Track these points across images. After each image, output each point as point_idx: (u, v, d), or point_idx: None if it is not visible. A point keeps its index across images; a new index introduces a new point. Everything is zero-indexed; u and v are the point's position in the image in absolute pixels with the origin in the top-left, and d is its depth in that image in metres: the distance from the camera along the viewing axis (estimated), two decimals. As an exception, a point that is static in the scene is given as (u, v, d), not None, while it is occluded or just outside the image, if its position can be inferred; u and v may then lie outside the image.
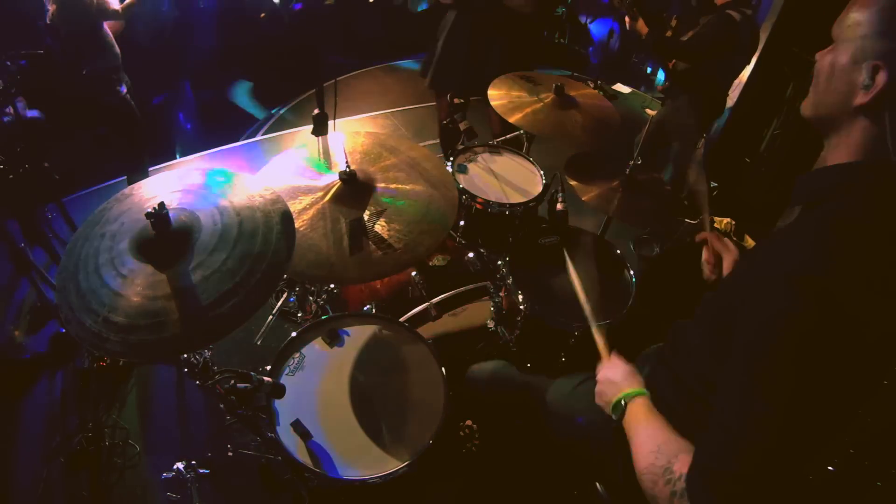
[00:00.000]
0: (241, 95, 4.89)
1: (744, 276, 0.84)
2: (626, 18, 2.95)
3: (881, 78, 0.76)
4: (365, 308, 1.84)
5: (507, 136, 2.44)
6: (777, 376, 0.73)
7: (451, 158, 2.02)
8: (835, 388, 0.75)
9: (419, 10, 4.98)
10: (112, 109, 2.80)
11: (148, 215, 1.00)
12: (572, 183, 1.85)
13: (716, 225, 2.67)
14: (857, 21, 0.80)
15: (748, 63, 3.21)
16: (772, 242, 0.88)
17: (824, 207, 0.81)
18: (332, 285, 1.89)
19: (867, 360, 0.77)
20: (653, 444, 0.90)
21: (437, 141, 3.50)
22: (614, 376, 1.09)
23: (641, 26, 2.88)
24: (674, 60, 3.07)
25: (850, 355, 0.73)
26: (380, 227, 1.36)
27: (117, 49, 2.76)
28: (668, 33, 3.98)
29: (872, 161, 0.79)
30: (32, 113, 2.49)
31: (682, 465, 0.82)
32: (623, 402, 1.02)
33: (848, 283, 0.72)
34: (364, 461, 1.22)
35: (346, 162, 1.46)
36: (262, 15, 4.82)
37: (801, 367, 0.72)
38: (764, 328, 0.75)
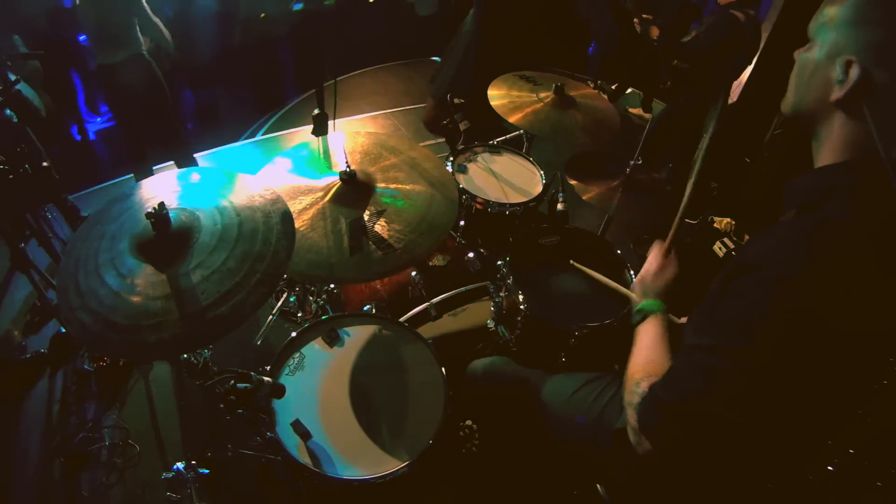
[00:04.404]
0: (241, 96, 4.89)
1: (731, 271, 0.84)
2: (636, 21, 2.94)
3: (854, 72, 0.76)
4: (365, 308, 1.84)
5: (507, 136, 2.44)
6: (738, 354, 0.78)
7: (451, 158, 2.02)
8: (791, 381, 0.77)
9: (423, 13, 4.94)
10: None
11: (148, 215, 1.00)
12: (572, 183, 1.85)
13: (716, 225, 2.67)
14: (829, 17, 0.81)
15: (750, 63, 3.21)
16: (759, 241, 0.88)
17: (815, 213, 0.80)
18: (332, 285, 1.89)
19: (836, 363, 0.78)
20: (644, 359, 1.04)
21: (437, 141, 3.48)
22: (651, 279, 1.19)
23: (654, 30, 2.86)
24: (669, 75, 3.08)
25: (816, 355, 0.75)
26: (380, 227, 1.36)
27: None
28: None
29: (858, 161, 0.79)
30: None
31: (648, 384, 0.93)
32: (643, 312, 1.15)
33: (823, 286, 0.73)
34: (364, 461, 1.22)
35: (346, 162, 1.46)
36: (263, 15, 4.81)
37: (758, 352, 0.76)
38: (738, 318, 0.79)
